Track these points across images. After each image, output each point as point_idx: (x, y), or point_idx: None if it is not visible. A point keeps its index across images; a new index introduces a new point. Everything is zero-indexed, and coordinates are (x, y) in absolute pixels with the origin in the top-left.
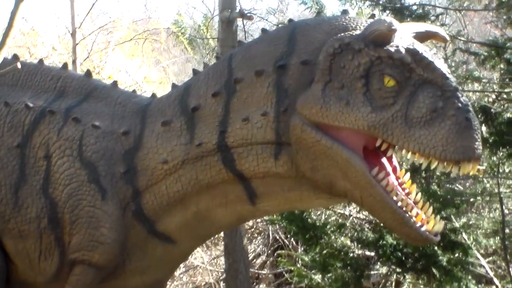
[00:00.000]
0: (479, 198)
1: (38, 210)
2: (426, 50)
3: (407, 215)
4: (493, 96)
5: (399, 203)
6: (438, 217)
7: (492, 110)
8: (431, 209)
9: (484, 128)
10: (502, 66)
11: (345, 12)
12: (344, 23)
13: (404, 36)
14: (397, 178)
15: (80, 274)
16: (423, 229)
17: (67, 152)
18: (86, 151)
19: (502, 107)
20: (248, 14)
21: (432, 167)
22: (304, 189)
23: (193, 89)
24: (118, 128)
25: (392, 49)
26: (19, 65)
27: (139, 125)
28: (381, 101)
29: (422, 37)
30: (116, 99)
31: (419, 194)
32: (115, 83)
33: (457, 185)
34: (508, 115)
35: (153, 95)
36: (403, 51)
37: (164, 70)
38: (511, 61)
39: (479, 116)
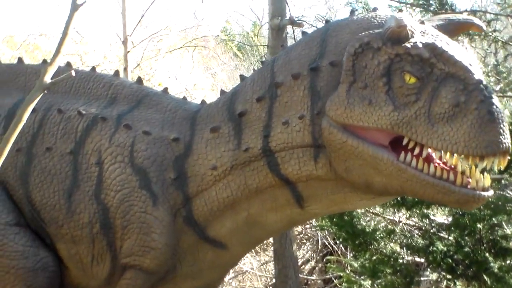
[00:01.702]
0: None
1: (90, 216)
2: (448, 43)
3: (447, 182)
4: None
5: (436, 175)
6: (484, 173)
7: None
8: (476, 170)
9: None
10: None
11: (375, 9)
12: (369, 21)
13: (427, 31)
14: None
15: (131, 279)
16: (468, 189)
17: (118, 158)
18: (137, 157)
19: None
20: (298, 21)
21: (459, 166)
22: (347, 191)
23: (240, 95)
24: (168, 134)
25: (410, 46)
26: (73, 73)
27: (189, 132)
28: (404, 98)
29: (455, 29)
30: (167, 106)
31: (465, 163)
32: (165, 90)
33: (508, 191)
34: None
35: (203, 102)
36: (420, 46)
37: (213, 77)
38: None
39: None
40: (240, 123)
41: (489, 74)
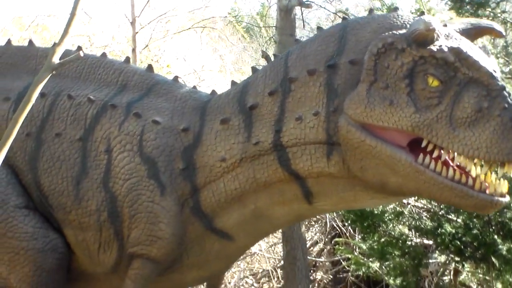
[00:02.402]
0: None
1: (98, 203)
2: (472, 48)
3: (465, 187)
4: None
5: (455, 178)
6: (501, 179)
7: None
8: (491, 175)
9: None
10: None
11: (395, 9)
12: (391, 21)
13: (450, 34)
14: (448, 163)
15: (139, 268)
16: (486, 194)
17: (127, 147)
18: (146, 147)
19: None
20: (307, 3)
21: (478, 169)
22: (358, 190)
23: (251, 87)
24: (178, 124)
25: (435, 49)
26: (81, 54)
27: (199, 122)
28: (426, 101)
29: (475, 33)
30: (177, 95)
31: (479, 167)
32: (175, 78)
33: None
34: None
35: (213, 92)
36: (446, 50)
37: (222, 59)
38: None
39: None
40: (251, 116)
41: (498, 55)
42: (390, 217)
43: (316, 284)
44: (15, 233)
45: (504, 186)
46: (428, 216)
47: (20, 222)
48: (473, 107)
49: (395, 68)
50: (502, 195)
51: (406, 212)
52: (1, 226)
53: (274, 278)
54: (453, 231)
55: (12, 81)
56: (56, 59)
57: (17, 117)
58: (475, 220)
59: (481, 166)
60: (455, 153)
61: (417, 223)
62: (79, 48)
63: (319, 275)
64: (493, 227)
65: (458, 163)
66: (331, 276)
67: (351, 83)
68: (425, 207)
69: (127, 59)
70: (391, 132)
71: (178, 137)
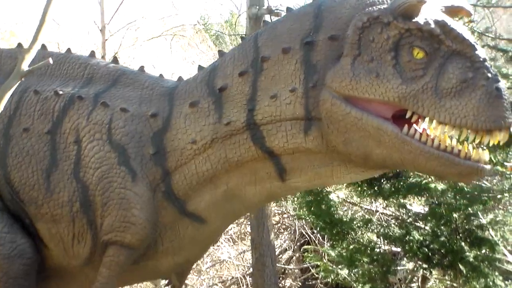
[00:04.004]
0: (506, 194)
1: (70, 194)
2: (454, 22)
3: (451, 155)
4: None
5: (440, 148)
6: (480, 149)
7: None
8: (470, 146)
9: None
10: None
11: None
12: None
13: (432, 9)
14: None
15: (114, 255)
16: (471, 161)
17: (96, 136)
18: (115, 134)
19: None
20: (276, 11)
21: (462, 138)
22: (336, 164)
23: (220, 70)
24: (146, 110)
25: (421, 21)
26: (50, 61)
27: (167, 107)
28: (411, 73)
29: (448, 12)
30: (144, 83)
31: (453, 139)
32: (142, 68)
33: (484, 182)
34: None
35: (180, 78)
36: (432, 23)
37: (192, 66)
38: None
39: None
40: (221, 97)
41: None
42: (358, 224)
43: None
44: None
45: (486, 155)
46: (396, 223)
47: None
48: (458, 78)
49: (381, 41)
50: (486, 163)
51: (374, 220)
52: None
53: (243, 285)
54: (421, 238)
55: None
56: (25, 66)
57: None
58: (442, 227)
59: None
60: (441, 124)
61: (386, 230)
62: (44, 46)
63: (288, 282)
64: (460, 235)
65: (432, 135)
66: (300, 283)
67: (332, 59)
68: (393, 214)
69: (92, 53)
70: (376, 104)
71: (147, 123)
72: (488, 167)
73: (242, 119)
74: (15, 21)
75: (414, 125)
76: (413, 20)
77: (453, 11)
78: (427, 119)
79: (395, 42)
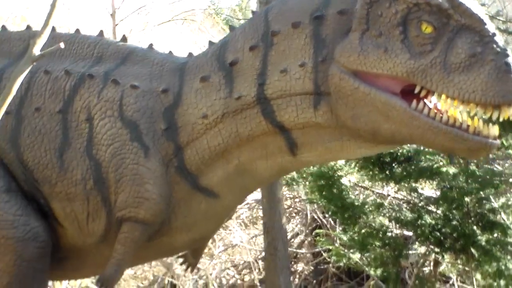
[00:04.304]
0: None
1: (83, 172)
2: None
3: (460, 130)
4: None
5: (449, 123)
6: (490, 124)
7: None
8: (480, 121)
9: None
10: None
11: None
12: None
13: None
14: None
15: (128, 232)
16: (480, 136)
17: (108, 113)
18: (127, 111)
19: None
20: None
21: (471, 113)
22: (346, 139)
23: (230, 45)
24: (157, 86)
25: None
26: (62, 45)
27: (178, 83)
28: (419, 47)
29: None
30: (153, 60)
31: (464, 113)
32: (151, 45)
33: (495, 165)
34: None
35: (190, 54)
36: None
37: (202, 51)
38: None
39: None
40: (231, 72)
41: None
42: (370, 208)
43: (297, 276)
44: None
45: (496, 130)
46: (408, 207)
47: (1, 209)
48: (466, 53)
49: (389, 16)
50: (495, 138)
51: (386, 204)
52: None
53: (255, 269)
54: (433, 222)
55: None
56: (36, 51)
57: None
58: (454, 211)
59: (473, 111)
60: (449, 98)
61: (397, 214)
62: (53, 28)
63: (300, 266)
64: (472, 218)
65: (442, 111)
66: (312, 268)
67: (341, 33)
68: (405, 198)
69: (101, 33)
70: (384, 79)
71: (158, 98)
72: (497, 142)
73: (252, 94)
74: (25, 5)
75: (425, 100)
76: None
77: None
78: (436, 94)
79: (403, 17)
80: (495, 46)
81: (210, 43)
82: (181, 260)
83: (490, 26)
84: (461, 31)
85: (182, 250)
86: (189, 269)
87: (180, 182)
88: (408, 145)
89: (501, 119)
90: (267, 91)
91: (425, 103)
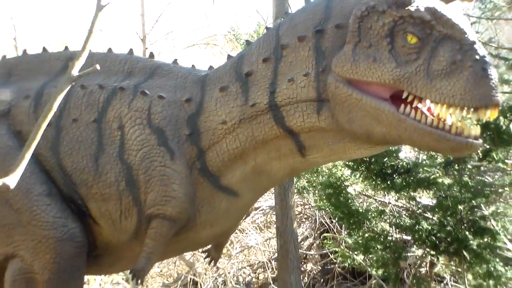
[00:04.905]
0: (506, 189)
1: (116, 175)
2: (445, 8)
3: (443, 131)
4: None
5: (433, 125)
6: (473, 125)
7: None
8: (465, 122)
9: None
10: None
11: None
12: None
13: None
14: (431, 113)
15: (157, 227)
16: (462, 137)
17: (137, 121)
18: (154, 119)
19: None
20: None
21: (454, 116)
22: (347, 141)
23: (246, 58)
24: (181, 96)
25: (413, 9)
26: (98, 67)
27: (200, 93)
28: (405, 57)
29: None
30: (178, 73)
31: (453, 116)
32: (175, 61)
33: (486, 177)
34: None
35: (210, 67)
36: (423, 10)
37: None
38: None
39: (508, 114)
40: (247, 82)
41: None
42: (373, 215)
43: (307, 275)
44: (38, 221)
45: (477, 130)
46: (407, 214)
47: (42, 212)
48: (447, 60)
49: (377, 29)
50: (476, 138)
51: (387, 211)
52: (27, 215)
53: (268, 269)
54: (429, 227)
55: (30, 82)
56: (75, 72)
57: (40, 123)
58: (449, 218)
59: (455, 114)
60: (433, 103)
61: (397, 220)
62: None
63: (309, 266)
64: (465, 225)
65: (434, 113)
66: (320, 267)
67: (338, 45)
68: (404, 206)
69: (131, 51)
70: (375, 86)
71: (182, 107)
72: (478, 142)
73: (265, 101)
74: (65, 31)
75: (419, 104)
76: (406, 8)
77: None
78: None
79: (390, 29)
80: (474, 53)
81: (229, 56)
82: (203, 258)
83: (471, 35)
84: (443, 41)
85: (206, 244)
86: (210, 265)
87: (203, 183)
88: (408, 158)
89: (483, 121)
90: (277, 98)
91: (412, 107)
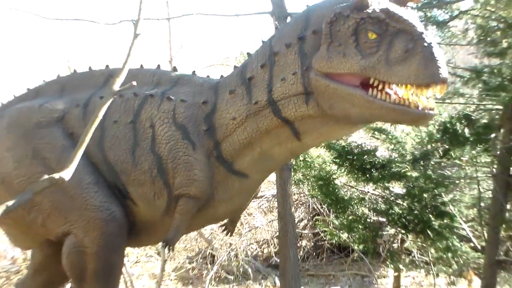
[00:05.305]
0: (462, 180)
1: (149, 164)
2: (397, 8)
3: (404, 106)
4: (473, 107)
5: (396, 102)
6: (429, 99)
7: (472, 117)
8: (421, 98)
9: (466, 130)
10: (480, 85)
11: None
12: (341, 1)
13: (381, 1)
14: (395, 93)
15: (183, 204)
16: (420, 109)
17: (165, 121)
18: (178, 118)
19: (479, 115)
20: None
21: (411, 93)
22: (331, 124)
23: (248, 66)
24: (199, 100)
25: (370, 11)
26: (134, 83)
27: (213, 96)
28: (368, 50)
29: (400, 2)
30: (196, 82)
31: (413, 94)
32: (194, 72)
33: (446, 171)
34: (484, 120)
35: (221, 76)
36: (378, 11)
37: None
38: (487, 82)
39: (463, 121)
40: (250, 85)
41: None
42: (355, 201)
43: (302, 249)
44: (87, 205)
45: (431, 103)
46: (382, 201)
47: (91, 197)
48: (402, 49)
49: (344, 30)
50: (431, 109)
51: (366, 198)
52: (79, 200)
53: (271, 245)
54: (400, 211)
55: (79, 94)
56: (116, 87)
57: (88, 128)
58: (416, 204)
59: (413, 92)
60: (395, 85)
61: (374, 206)
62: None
63: (304, 243)
64: (429, 209)
65: (399, 94)
66: (312, 244)
67: (316, 47)
68: (380, 194)
69: (158, 66)
70: (347, 76)
71: (200, 108)
72: (433, 112)
73: (265, 98)
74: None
75: (387, 88)
76: (365, 11)
77: (402, 1)
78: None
79: (354, 29)
80: (422, 41)
81: (235, 67)
82: (220, 231)
83: (419, 27)
84: (397, 34)
85: (223, 218)
86: (225, 240)
87: (219, 168)
88: (383, 156)
89: (436, 96)
90: (274, 95)
91: (378, 90)
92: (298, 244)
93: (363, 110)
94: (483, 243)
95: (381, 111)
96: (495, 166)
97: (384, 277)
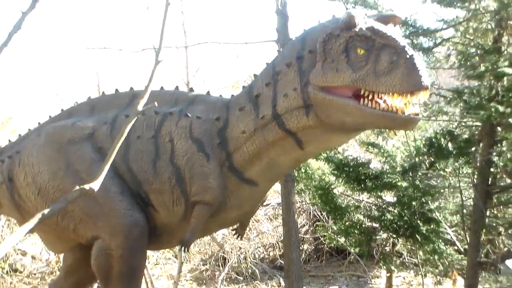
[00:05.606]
0: (446, 189)
1: (169, 174)
2: (381, 25)
3: (392, 113)
4: (456, 124)
5: (385, 109)
6: (414, 105)
7: (455, 133)
8: (407, 105)
9: (450, 144)
10: (461, 104)
11: (333, 16)
12: (332, 21)
13: (367, 21)
14: (384, 101)
15: (199, 210)
16: (406, 115)
17: (182, 135)
18: (194, 133)
19: (461, 131)
20: None
21: (396, 100)
22: (329, 133)
23: (255, 85)
24: (212, 116)
25: (358, 29)
26: (156, 104)
27: (225, 113)
28: (358, 64)
29: (384, 21)
30: (209, 101)
31: (398, 102)
32: (208, 92)
33: (432, 181)
34: (465, 136)
35: (232, 95)
36: (364, 29)
37: None
38: (467, 101)
39: (447, 136)
40: (257, 101)
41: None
42: (351, 209)
43: (304, 252)
44: (113, 212)
45: (416, 109)
46: (375, 208)
47: (117, 205)
48: (387, 61)
49: (335, 48)
50: (416, 114)
51: (361, 206)
52: (106, 207)
53: (277, 248)
54: (392, 218)
55: (107, 113)
56: (140, 107)
57: (115, 145)
58: (406, 211)
59: (399, 99)
60: (383, 94)
61: (369, 213)
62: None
63: (305, 246)
64: (417, 215)
65: (388, 102)
66: (313, 247)
67: (312, 65)
68: (374, 202)
69: (177, 87)
70: (340, 88)
71: (213, 124)
72: (418, 117)
73: (270, 113)
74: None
75: (377, 99)
76: (353, 30)
77: (389, 19)
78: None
79: (344, 46)
80: (405, 54)
81: (243, 87)
82: (232, 234)
83: (402, 41)
84: (382, 48)
85: (234, 223)
86: (236, 243)
87: (231, 177)
88: (376, 168)
89: (420, 102)
90: (278, 109)
91: (369, 100)
92: (301, 248)
93: (356, 118)
94: (466, 246)
95: (372, 118)
96: (476, 177)
97: (377, 277)
